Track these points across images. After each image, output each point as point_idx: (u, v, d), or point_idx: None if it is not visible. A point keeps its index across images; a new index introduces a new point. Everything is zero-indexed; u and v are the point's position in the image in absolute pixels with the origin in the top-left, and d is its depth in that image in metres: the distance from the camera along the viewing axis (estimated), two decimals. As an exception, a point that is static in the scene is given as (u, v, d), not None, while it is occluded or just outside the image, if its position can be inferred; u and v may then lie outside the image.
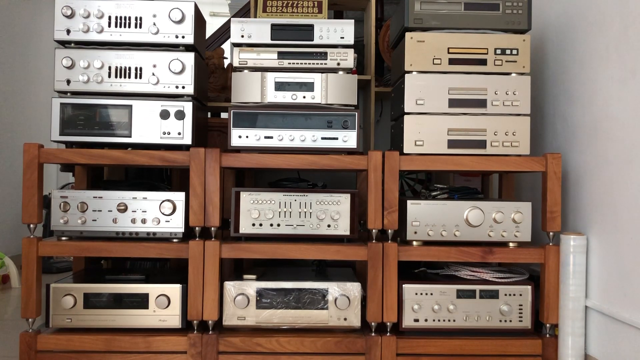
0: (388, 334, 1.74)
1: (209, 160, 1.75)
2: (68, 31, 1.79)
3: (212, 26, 3.43)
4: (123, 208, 1.76)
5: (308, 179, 2.24)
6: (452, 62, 1.79)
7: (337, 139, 1.79)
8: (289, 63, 1.82)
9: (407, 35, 1.79)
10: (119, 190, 1.79)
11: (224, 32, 3.11)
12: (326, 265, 2.09)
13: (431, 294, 1.76)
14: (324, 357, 1.74)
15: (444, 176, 2.49)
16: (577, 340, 1.71)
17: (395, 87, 1.96)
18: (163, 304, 1.74)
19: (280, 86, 1.80)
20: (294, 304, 1.76)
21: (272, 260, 2.17)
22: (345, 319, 1.76)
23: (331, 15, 2.89)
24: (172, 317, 1.75)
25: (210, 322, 1.75)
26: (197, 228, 1.75)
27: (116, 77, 1.80)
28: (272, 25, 1.81)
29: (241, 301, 1.74)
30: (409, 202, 1.77)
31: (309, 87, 1.80)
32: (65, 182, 4.00)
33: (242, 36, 1.81)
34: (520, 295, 1.77)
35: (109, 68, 1.80)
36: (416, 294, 1.76)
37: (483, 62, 1.79)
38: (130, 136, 1.79)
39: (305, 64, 1.81)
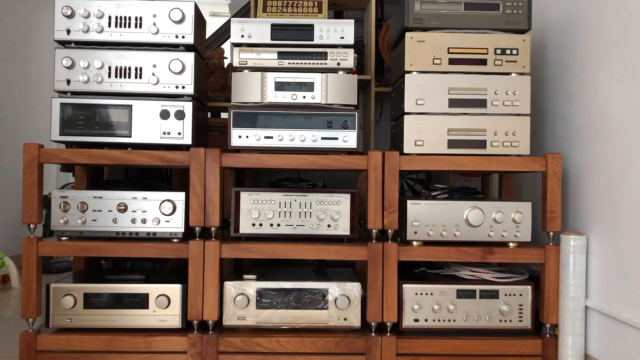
0: (388, 334, 1.74)
1: (209, 160, 1.75)
2: (68, 31, 1.79)
3: (212, 26, 3.43)
4: (123, 208, 1.76)
5: (308, 179, 2.24)
6: (452, 62, 1.79)
7: (337, 139, 1.79)
8: (289, 63, 1.82)
9: (407, 35, 1.79)
10: (119, 190, 1.79)
11: (224, 32, 3.11)
12: (326, 265, 2.09)
13: (431, 294, 1.76)
14: (324, 357, 1.74)
15: (444, 176, 2.49)
16: (577, 340, 1.71)
17: (395, 87, 1.96)
18: (163, 304, 1.74)
19: (280, 86, 1.80)
20: (294, 304, 1.76)
21: (272, 260, 2.17)
22: (345, 319, 1.76)
23: (331, 15, 2.89)
24: (172, 317, 1.75)
25: (210, 322, 1.75)
26: (197, 228, 1.75)
27: (116, 77, 1.80)
28: (272, 25, 1.81)
29: (241, 301, 1.74)
30: (409, 202, 1.77)
31: (309, 87, 1.80)
32: (65, 182, 4.00)
33: (242, 36, 1.81)
34: (520, 295, 1.77)
35: (109, 68, 1.80)
36: (416, 294, 1.76)
37: (483, 62, 1.79)
38: (130, 136, 1.79)
39: (305, 64, 1.81)
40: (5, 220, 3.67)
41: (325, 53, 1.81)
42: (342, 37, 1.81)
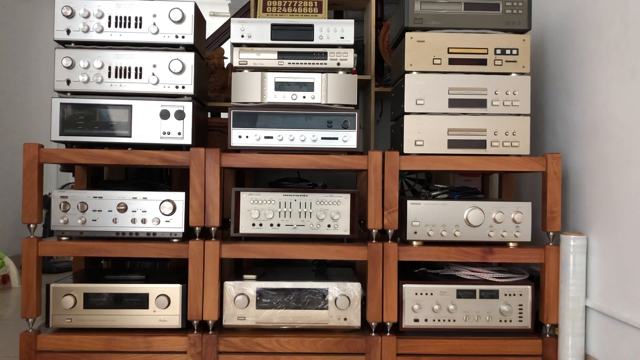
0: (388, 334, 1.74)
1: (209, 160, 1.75)
2: (68, 31, 1.79)
3: (212, 26, 3.43)
4: (123, 208, 1.76)
5: (308, 179, 2.24)
6: (452, 62, 1.79)
7: (337, 139, 1.79)
8: (289, 63, 1.82)
9: (407, 35, 1.79)
10: (119, 190, 1.79)
11: (224, 32, 3.11)
12: (326, 265, 2.09)
13: (431, 294, 1.76)
14: (324, 357, 1.74)
15: (444, 176, 2.49)
16: (577, 340, 1.71)
17: (395, 87, 1.96)
18: (163, 304, 1.74)
19: (280, 86, 1.80)
20: (294, 304, 1.76)
21: (272, 260, 2.17)
22: (345, 319, 1.76)
23: (331, 15, 2.89)
24: (172, 317, 1.75)
25: (210, 322, 1.75)
26: (197, 228, 1.75)
27: (116, 77, 1.80)
28: (272, 25, 1.81)
29: (241, 301, 1.74)
30: (409, 202, 1.77)
31: (309, 87, 1.80)
32: (65, 182, 4.00)
33: (242, 36, 1.81)
34: (520, 295, 1.77)
35: (109, 68, 1.80)
36: (416, 294, 1.76)
37: (483, 62, 1.79)
38: (130, 136, 1.79)
39: (305, 64, 1.81)
40: (5, 220, 3.67)
41: (325, 53, 1.81)
42: (342, 37, 1.81)
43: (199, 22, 1.89)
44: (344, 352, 1.74)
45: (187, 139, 1.80)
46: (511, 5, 1.79)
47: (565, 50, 1.92)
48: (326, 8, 2.00)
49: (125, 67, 1.80)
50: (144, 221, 1.77)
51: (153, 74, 1.79)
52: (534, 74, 2.13)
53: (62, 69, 1.79)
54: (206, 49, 2.83)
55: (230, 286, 1.75)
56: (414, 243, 1.78)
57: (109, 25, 1.79)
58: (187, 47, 1.83)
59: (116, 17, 1.79)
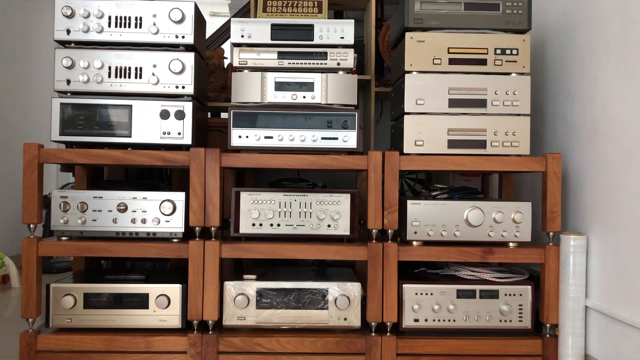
0: (388, 334, 1.74)
1: (209, 160, 1.75)
2: (68, 31, 1.79)
3: (212, 26, 3.44)
4: (123, 208, 1.76)
5: (308, 179, 2.24)
6: (452, 62, 1.79)
7: (337, 139, 1.79)
8: (289, 63, 1.82)
9: (407, 35, 1.79)
10: (119, 190, 1.79)
11: (224, 32, 3.12)
12: (326, 265, 2.09)
13: (431, 294, 1.76)
14: (324, 357, 1.74)
15: (444, 176, 2.49)
16: (577, 340, 1.71)
17: (395, 87, 1.96)
18: (163, 304, 1.74)
19: (280, 86, 1.80)
20: (294, 304, 1.76)
21: (272, 260, 2.17)
22: (345, 319, 1.76)
23: (331, 15, 2.89)
24: (172, 317, 1.75)
25: (210, 322, 1.75)
26: (197, 228, 1.75)
27: (116, 77, 1.80)
28: (272, 25, 1.81)
29: (241, 301, 1.74)
30: (409, 202, 1.77)
31: (309, 87, 1.80)
32: (65, 182, 4.00)
33: (242, 36, 1.81)
34: (520, 295, 1.77)
35: (109, 68, 1.80)
36: (416, 294, 1.76)
37: (483, 62, 1.79)
38: (130, 136, 1.79)
39: (305, 64, 1.81)
40: (5, 220, 3.67)
41: (325, 53, 1.81)
42: (342, 37, 1.81)
43: (199, 22, 1.89)
44: (344, 352, 1.74)
45: (187, 139, 1.80)
46: (511, 5, 1.79)
47: (565, 50, 1.92)
48: (326, 8, 2.00)
49: (125, 67, 1.80)
50: (144, 221, 1.77)
51: (153, 74, 1.80)
52: (534, 74, 2.13)
53: (62, 69, 1.79)
54: (206, 49, 2.83)
55: (230, 286, 1.75)
56: (414, 243, 1.78)
57: (109, 25, 1.79)
58: (187, 47, 1.83)
59: (116, 17, 1.79)
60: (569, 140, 1.89)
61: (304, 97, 1.80)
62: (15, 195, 3.73)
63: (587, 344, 1.74)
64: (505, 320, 1.77)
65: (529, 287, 1.77)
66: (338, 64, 1.81)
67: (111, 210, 1.76)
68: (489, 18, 1.80)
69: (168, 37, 1.80)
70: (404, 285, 1.76)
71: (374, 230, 1.76)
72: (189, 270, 1.73)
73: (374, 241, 1.75)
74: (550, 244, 1.76)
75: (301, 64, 1.81)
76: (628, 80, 1.57)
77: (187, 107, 1.80)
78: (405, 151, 1.78)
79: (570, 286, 1.71)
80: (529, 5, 1.79)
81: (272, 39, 1.81)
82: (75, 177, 2.10)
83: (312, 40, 1.81)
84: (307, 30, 1.81)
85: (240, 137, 1.78)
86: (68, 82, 1.79)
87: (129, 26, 1.80)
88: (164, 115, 1.79)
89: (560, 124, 1.96)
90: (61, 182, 4.24)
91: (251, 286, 1.75)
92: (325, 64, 1.81)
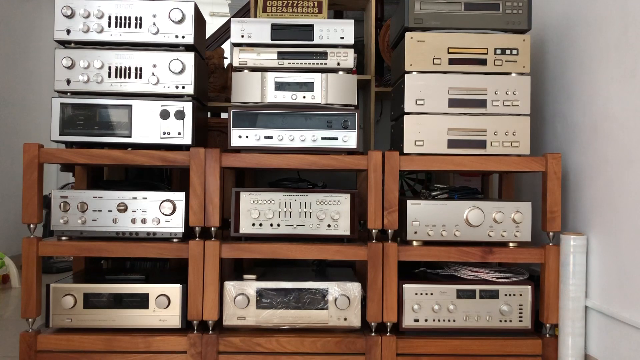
0: (388, 334, 1.74)
1: (209, 160, 1.75)
2: (68, 31, 1.79)
3: (212, 26, 3.44)
4: (123, 208, 1.76)
5: (308, 179, 2.24)
6: (452, 62, 1.79)
7: (337, 139, 1.79)
8: (289, 63, 1.82)
9: (407, 35, 1.79)
10: (119, 190, 1.79)
11: (224, 32, 3.12)
12: (326, 265, 2.09)
13: (431, 294, 1.76)
14: (324, 357, 1.74)
15: (444, 176, 2.49)
16: (577, 340, 1.71)
17: (395, 87, 1.96)
18: (163, 304, 1.74)
19: (280, 86, 1.80)
20: (294, 304, 1.76)
21: (272, 260, 2.17)
22: (345, 319, 1.76)
23: (331, 15, 2.89)
24: (172, 317, 1.75)
25: (210, 322, 1.75)
26: (197, 228, 1.75)
27: (116, 77, 1.80)
28: (272, 25, 1.81)
29: (241, 301, 1.74)
30: (409, 202, 1.77)
31: (309, 87, 1.80)
32: (65, 182, 4.00)
33: (242, 36, 1.81)
34: (520, 295, 1.77)
35: (109, 68, 1.80)
36: (416, 294, 1.76)
37: (483, 62, 1.79)
38: (130, 136, 1.79)
39: (305, 64, 1.81)
40: (5, 220, 3.67)
41: (325, 53, 1.81)
42: (342, 37, 1.81)
43: (199, 22, 1.89)
44: (344, 352, 1.73)
45: (187, 139, 1.80)
46: (511, 5, 1.79)
47: (565, 50, 1.92)
48: (326, 8, 2.00)
49: (125, 67, 1.80)
50: (144, 221, 1.77)
51: (153, 74, 1.80)
52: (534, 74, 2.13)
53: (62, 69, 1.79)
54: (206, 49, 2.83)
55: (230, 286, 1.75)
56: (414, 243, 1.78)
57: (109, 25, 1.79)
58: (187, 47, 1.83)
59: (116, 17, 1.79)
60: (569, 140, 1.89)
61: (304, 97, 1.80)
62: (16, 195, 3.73)
63: (587, 344, 1.74)
64: (505, 320, 1.77)
65: (529, 287, 1.77)
66: (338, 64, 1.81)
67: (111, 210, 1.76)
68: (489, 18, 1.80)
69: (168, 37, 1.80)
70: (404, 285, 1.76)
71: (374, 230, 1.76)
72: (189, 270, 1.73)
73: (374, 241, 1.75)
74: (550, 244, 1.76)
75: (301, 64, 1.81)
76: (628, 80, 1.57)
77: (187, 107, 1.80)
78: (405, 151, 1.78)
79: (570, 286, 1.71)
80: (529, 5, 1.79)
81: (272, 39, 1.81)
82: (75, 177, 2.10)
83: (312, 40, 1.81)
84: (307, 30, 1.81)
85: (240, 137, 1.78)
86: (68, 82, 1.79)
87: (129, 26, 1.80)
88: (164, 115, 1.79)
89: (560, 124, 1.96)
90: (61, 182, 4.24)
91: (251, 286, 1.75)
92: (325, 64, 1.81)
